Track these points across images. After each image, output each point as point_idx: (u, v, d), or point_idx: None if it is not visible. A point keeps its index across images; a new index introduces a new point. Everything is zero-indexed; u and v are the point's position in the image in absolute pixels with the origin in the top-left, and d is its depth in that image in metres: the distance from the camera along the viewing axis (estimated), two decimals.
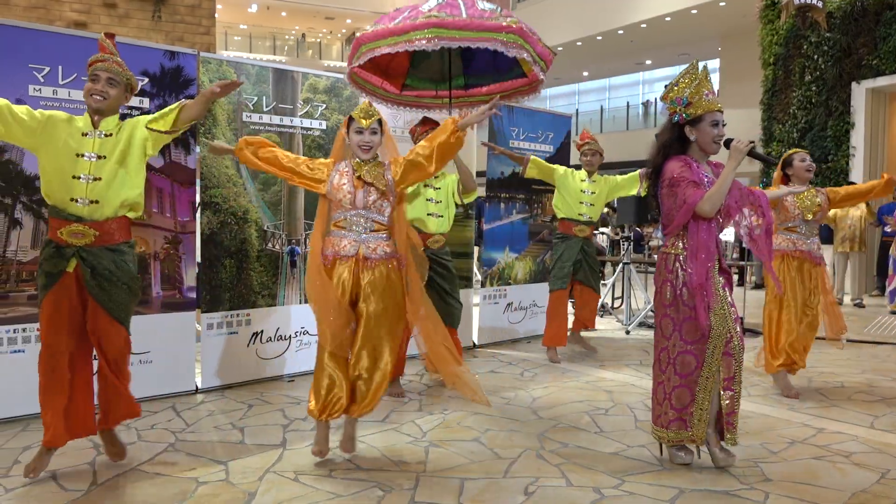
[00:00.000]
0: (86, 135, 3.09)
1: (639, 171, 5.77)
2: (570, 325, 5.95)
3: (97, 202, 3.06)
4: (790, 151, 4.71)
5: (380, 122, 3.35)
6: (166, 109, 3.23)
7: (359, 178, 3.29)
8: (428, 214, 4.64)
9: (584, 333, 6.28)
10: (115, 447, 3.32)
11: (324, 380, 3.31)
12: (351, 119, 3.36)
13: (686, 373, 3.21)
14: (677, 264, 3.22)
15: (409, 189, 4.21)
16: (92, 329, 3.14)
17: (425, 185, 4.61)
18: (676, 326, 3.22)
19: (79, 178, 3.04)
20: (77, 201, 3.04)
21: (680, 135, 3.24)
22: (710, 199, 3.09)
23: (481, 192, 6.08)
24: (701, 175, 3.17)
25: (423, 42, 3.76)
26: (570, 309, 5.91)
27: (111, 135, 3.13)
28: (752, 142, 3.16)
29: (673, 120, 3.24)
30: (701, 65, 3.26)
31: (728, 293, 3.24)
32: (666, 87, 3.32)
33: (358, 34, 4.07)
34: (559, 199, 5.78)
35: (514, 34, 3.87)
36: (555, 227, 6.10)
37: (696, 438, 3.25)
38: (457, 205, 4.84)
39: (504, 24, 3.85)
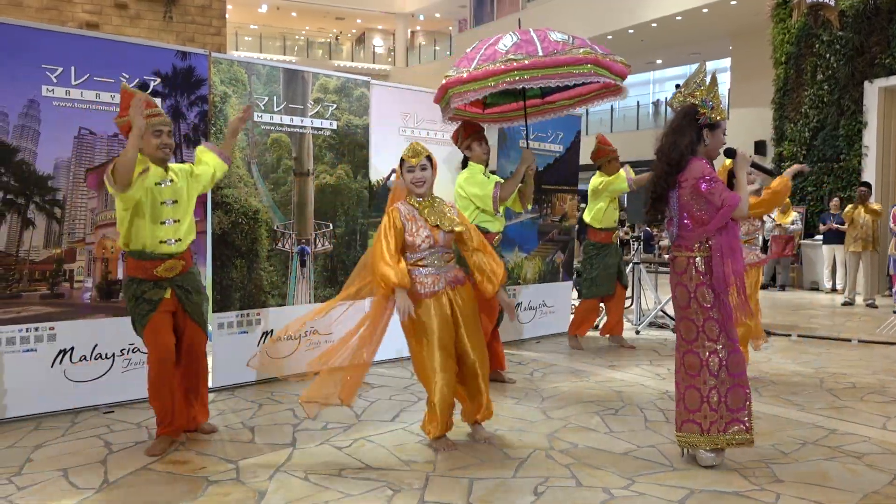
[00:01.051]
0: (159, 184, 3.46)
1: (622, 168, 5.85)
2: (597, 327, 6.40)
3: (181, 240, 3.53)
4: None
5: (429, 158, 3.55)
6: (204, 159, 3.75)
7: (427, 220, 3.50)
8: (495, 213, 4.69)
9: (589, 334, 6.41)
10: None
11: (441, 403, 3.48)
12: (402, 161, 3.56)
13: (738, 371, 3.21)
14: (708, 265, 3.21)
15: (502, 207, 4.70)
16: (190, 341, 3.60)
17: (497, 184, 4.64)
18: (723, 327, 3.20)
19: (164, 223, 3.46)
20: (166, 242, 3.47)
21: (700, 136, 3.27)
22: (745, 205, 3.17)
23: None
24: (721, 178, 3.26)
25: (508, 85, 3.92)
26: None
27: (174, 180, 3.53)
28: (754, 155, 3.37)
29: (699, 121, 3.26)
30: (709, 67, 3.31)
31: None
32: (679, 87, 3.39)
33: (444, 80, 4.19)
34: (599, 212, 6.00)
35: (591, 64, 3.94)
36: (574, 234, 6.33)
37: (752, 437, 3.27)
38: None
39: (580, 55, 3.93)
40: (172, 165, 3.60)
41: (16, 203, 3.92)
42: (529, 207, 5.02)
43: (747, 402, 3.23)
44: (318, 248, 5.13)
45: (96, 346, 4.14)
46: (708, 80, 3.30)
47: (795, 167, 5.06)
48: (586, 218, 6.17)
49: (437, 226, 3.49)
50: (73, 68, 4.04)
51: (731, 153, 3.34)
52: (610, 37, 18.35)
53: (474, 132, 4.70)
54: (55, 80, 4.00)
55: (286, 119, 4.96)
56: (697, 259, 3.22)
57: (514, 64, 3.86)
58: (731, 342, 3.21)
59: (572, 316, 6.49)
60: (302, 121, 5.04)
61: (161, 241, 3.44)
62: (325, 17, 31.01)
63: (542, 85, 3.98)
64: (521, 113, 5.04)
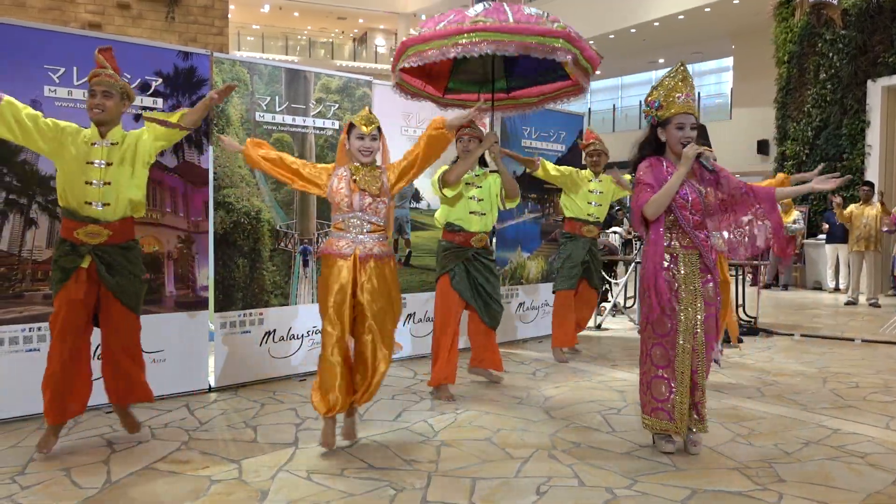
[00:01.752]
0: (94, 144, 3.39)
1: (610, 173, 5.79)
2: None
3: (108, 204, 3.38)
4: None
5: (379, 128, 3.55)
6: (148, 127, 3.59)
7: (354, 181, 3.48)
8: (470, 213, 4.57)
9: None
10: (129, 419, 3.67)
11: (328, 377, 3.46)
12: (352, 125, 3.53)
13: (660, 364, 3.38)
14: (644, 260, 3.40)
15: (451, 192, 4.44)
16: (106, 319, 3.47)
17: (467, 184, 4.56)
18: (648, 320, 3.39)
19: (91, 183, 3.34)
20: (91, 204, 3.35)
21: (655, 136, 3.39)
22: (652, 203, 3.26)
23: None
24: (664, 176, 3.30)
25: (472, 46, 3.76)
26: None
27: (117, 143, 3.43)
28: (703, 149, 3.26)
29: (647, 120, 3.43)
30: (689, 67, 3.32)
31: (710, 290, 3.39)
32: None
33: (404, 37, 4.11)
34: (567, 199, 5.78)
35: (563, 38, 3.88)
36: (561, 226, 6.10)
37: (679, 430, 3.41)
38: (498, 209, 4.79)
39: (553, 27, 3.87)
40: (133, 132, 3.50)
41: (18, 203, 3.92)
42: (510, 205, 4.73)
43: (669, 398, 3.38)
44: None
45: (99, 346, 4.13)
46: (675, 77, 3.33)
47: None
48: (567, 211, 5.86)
49: (364, 189, 3.46)
50: (75, 69, 4.05)
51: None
52: (612, 36, 18.36)
53: (470, 126, 4.55)
54: (57, 81, 4.00)
55: (288, 119, 4.96)
56: (645, 254, 3.42)
57: (481, 25, 3.77)
58: (655, 335, 3.37)
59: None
60: (304, 121, 5.04)
61: (86, 202, 3.32)
62: (328, 17, 31.02)
63: (508, 53, 3.81)
64: (478, 102, 4.89)
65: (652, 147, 3.41)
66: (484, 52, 3.78)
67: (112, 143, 3.41)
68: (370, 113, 3.53)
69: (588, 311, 6.02)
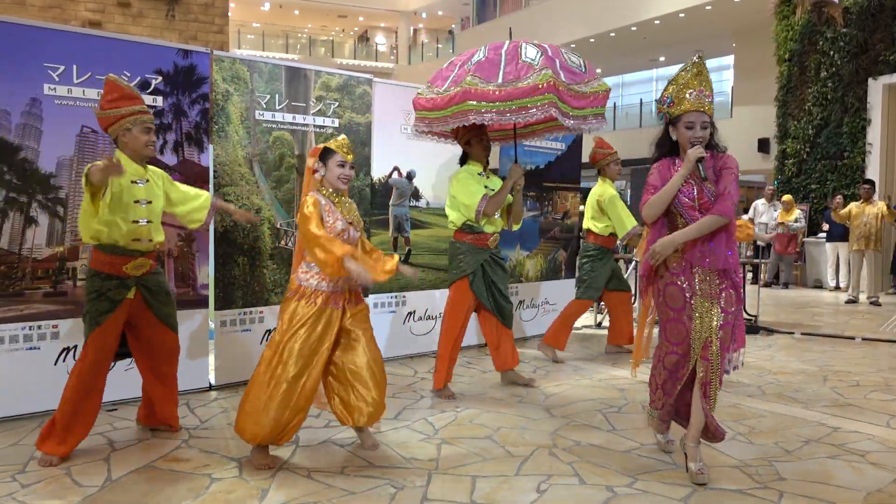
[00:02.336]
0: (135, 182, 3.39)
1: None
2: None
3: (151, 240, 3.47)
4: None
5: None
6: (194, 199, 3.71)
7: (350, 223, 3.36)
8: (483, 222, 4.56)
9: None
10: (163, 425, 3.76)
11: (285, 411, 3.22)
12: (330, 151, 3.36)
13: (673, 369, 3.22)
14: (661, 263, 3.18)
15: (485, 223, 4.54)
16: (150, 341, 3.56)
17: (486, 187, 4.50)
18: (662, 327, 3.25)
19: (138, 222, 3.38)
20: (140, 241, 3.41)
21: (669, 134, 3.22)
22: (649, 205, 3.14)
23: None
24: (670, 177, 3.13)
25: (459, 120, 4.02)
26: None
27: (149, 181, 3.47)
28: (704, 153, 3.05)
29: (660, 118, 3.27)
30: (708, 62, 3.20)
31: (729, 297, 3.11)
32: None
33: (415, 95, 4.40)
34: (612, 219, 5.66)
35: (549, 93, 3.83)
36: (578, 234, 6.14)
37: (653, 425, 3.46)
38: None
39: (539, 83, 3.83)
40: (150, 167, 3.52)
41: (18, 201, 3.92)
42: (516, 228, 4.81)
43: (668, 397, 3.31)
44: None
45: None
46: (689, 71, 3.12)
47: None
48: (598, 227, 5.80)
49: (351, 223, 3.36)
50: (75, 67, 4.04)
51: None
52: (613, 34, 18.35)
53: (475, 128, 4.54)
54: (57, 79, 4.00)
55: (288, 117, 4.96)
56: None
57: (468, 89, 3.91)
58: (669, 343, 3.20)
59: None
60: (304, 119, 5.04)
61: (134, 239, 3.37)
62: (328, 15, 31.02)
63: (497, 121, 3.94)
64: (503, 134, 5.05)
65: (666, 147, 3.23)
66: (468, 122, 4.01)
67: (145, 181, 3.44)
68: (347, 140, 3.43)
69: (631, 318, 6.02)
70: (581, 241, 6.27)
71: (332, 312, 3.32)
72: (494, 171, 4.80)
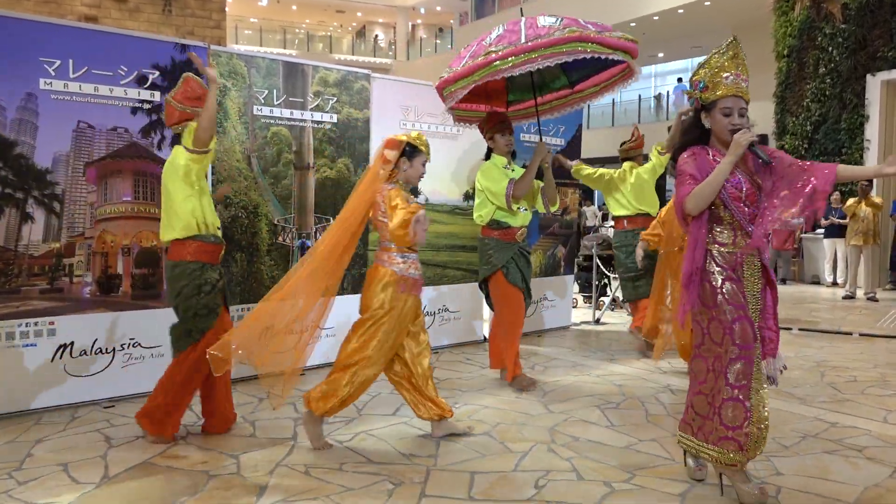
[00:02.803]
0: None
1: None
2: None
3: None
4: None
5: None
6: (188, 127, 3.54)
7: None
8: (516, 208, 4.60)
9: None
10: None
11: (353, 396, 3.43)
12: (419, 151, 3.46)
13: (738, 384, 2.75)
14: (710, 259, 2.86)
15: (517, 205, 4.56)
16: (224, 328, 3.52)
17: (511, 180, 4.53)
18: (727, 329, 2.77)
19: (216, 206, 3.62)
20: (219, 228, 3.58)
21: (698, 121, 2.95)
22: (694, 197, 2.79)
23: None
24: (709, 167, 2.84)
25: (487, 77, 3.94)
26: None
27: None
28: (756, 137, 2.82)
29: (690, 103, 3.02)
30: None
31: (767, 298, 2.92)
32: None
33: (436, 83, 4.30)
34: (635, 197, 5.73)
35: (575, 42, 3.87)
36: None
37: (745, 461, 2.81)
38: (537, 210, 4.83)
39: (566, 35, 3.87)
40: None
41: (14, 197, 3.90)
42: (554, 208, 4.79)
43: (745, 421, 2.74)
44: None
45: (96, 340, 4.14)
46: (724, 54, 2.91)
47: None
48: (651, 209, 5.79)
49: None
50: (70, 61, 4.02)
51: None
52: None
53: (498, 122, 4.63)
54: (53, 74, 3.98)
55: (286, 112, 4.94)
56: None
57: (493, 55, 3.86)
58: (736, 347, 2.75)
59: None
60: (302, 114, 5.02)
61: (217, 227, 3.54)
62: (326, 11, 30.93)
63: (524, 70, 3.89)
64: (546, 106, 5.02)
65: (694, 134, 2.96)
66: (504, 75, 3.92)
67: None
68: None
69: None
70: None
71: (418, 301, 3.51)
72: (523, 166, 4.81)
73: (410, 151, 3.44)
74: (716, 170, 2.79)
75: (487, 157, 4.71)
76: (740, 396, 2.74)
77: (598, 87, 4.91)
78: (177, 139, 3.54)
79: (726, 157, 2.79)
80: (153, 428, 3.46)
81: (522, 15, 4.27)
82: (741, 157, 2.81)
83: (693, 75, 2.98)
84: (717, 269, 2.85)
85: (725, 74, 2.86)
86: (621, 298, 7.36)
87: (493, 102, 4.97)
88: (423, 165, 3.50)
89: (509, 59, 3.84)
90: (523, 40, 3.87)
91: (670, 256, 4.66)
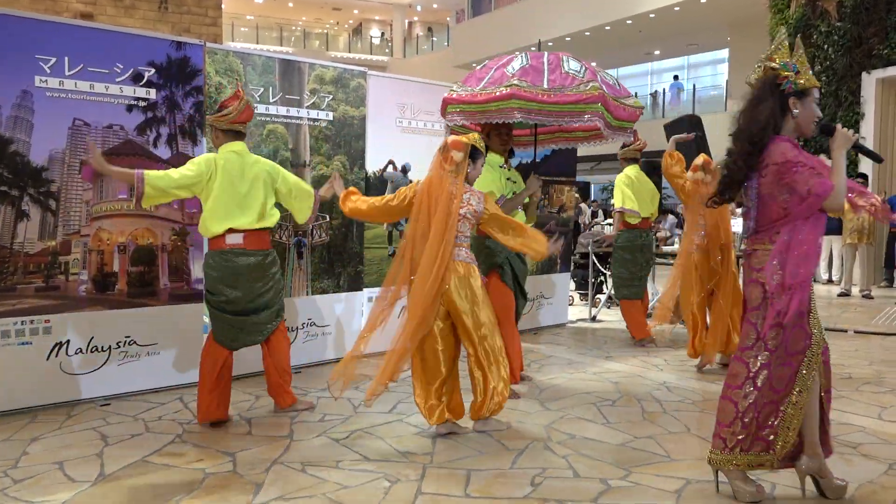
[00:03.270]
0: None
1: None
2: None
3: None
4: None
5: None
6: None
7: None
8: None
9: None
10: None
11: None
12: (480, 153, 3.68)
13: (780, 388, 2.74)
14: (785, 260, 2.72)
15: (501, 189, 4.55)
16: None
17: (507, 179, 4.55)
18: (786, 336, 2.71)
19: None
20: None
21: (784, 108, 2.76)
22: (839, 194, 2.65)
23: None
24: (814, 161, 2.73)
25: (507, 116, 4.06)
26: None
27: None
28: (858, 134, 2.79)
29: (781, 86, 2.75)
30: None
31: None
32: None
33: (446, 94, 4.45)
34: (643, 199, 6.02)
35: (596, 103, 3.99)
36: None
37: (775, 463, 2.82)
38: None
39: (585, 95, 3.98)
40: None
41: (10, 195, 3.89)
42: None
43: (776, 421, 2.76)
44: (315, 239, 5.11)
45: (92, 338, 4.13)
46: (790, 46, 2.82)
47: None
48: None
49: None
50: (66, 59, 4.01)
51: (828, 130, 2.80)
52: (608, 28, 18.31)
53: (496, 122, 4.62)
54: (49, 71, 3.97)
55: (282, 110, 4.93)
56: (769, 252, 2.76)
57: (515, 90, 3.97)
58: (787, 354, 2.73)
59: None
60: (298, 112, 5.02)
61: None
62: (322, 8, 30.87)
63: (540, 122, 4.08)
64: (526, 140, 5.12)
65: (780, 121, 2.77)
66: (516, 119, 4.08)
67: None
68: None
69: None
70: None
71: None
72: (518, 168, 4.85)
73: (475, 154, 3.64)
74: (837, 166, 2.73)
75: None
76: (775, 400, 2.75)
77: (562, 135, 5.10)
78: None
79: (837, 153, 2.73)
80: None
81: (539, 48, 4.33)
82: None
83: (774, 57, 2.79)
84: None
85: (806, 65, 2.77)
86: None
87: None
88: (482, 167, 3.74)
89: (529, 103, 3.97)
90: (545, 85, 4.01)
91: (707, 258, 4.89)
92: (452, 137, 3.64)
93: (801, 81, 2.74)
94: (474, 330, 3.54)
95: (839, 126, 2.74)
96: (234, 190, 3.67)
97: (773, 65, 2.77)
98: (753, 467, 2.82)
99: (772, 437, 2.77)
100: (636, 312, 6.10)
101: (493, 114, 4.13)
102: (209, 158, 3.70)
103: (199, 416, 3.74)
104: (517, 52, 4.38)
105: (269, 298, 3.81)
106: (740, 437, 2.77)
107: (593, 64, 4.38)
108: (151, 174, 3.49)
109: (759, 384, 2.74)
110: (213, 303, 3.75)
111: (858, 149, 2.86)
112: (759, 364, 2.75)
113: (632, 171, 6.12)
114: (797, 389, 2.74)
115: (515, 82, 4.02)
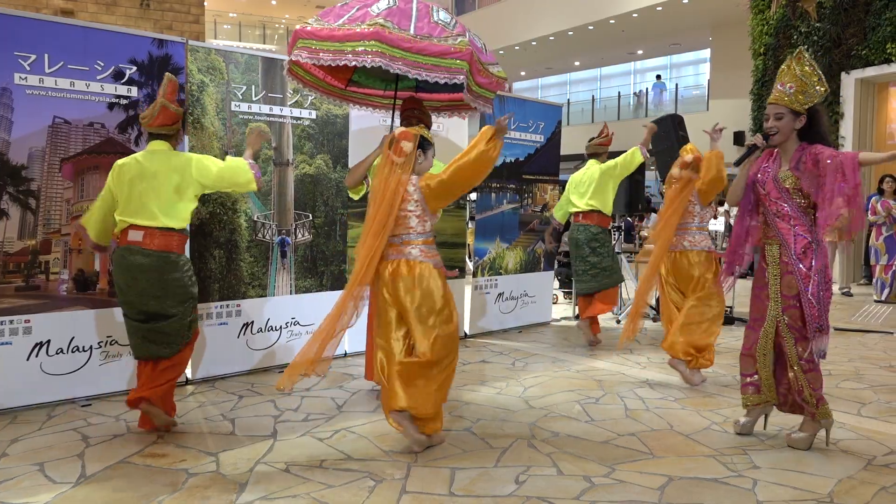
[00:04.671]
0: None
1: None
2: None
3: None
4: None
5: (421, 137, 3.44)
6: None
7: None
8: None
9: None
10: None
11: None
12: (431, 144, 3.51)
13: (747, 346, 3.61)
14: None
15: None
16: None
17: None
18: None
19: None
20: None
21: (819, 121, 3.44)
22: (730, 192, 3.59)
23: None
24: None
25: (364, 58, 3.50)
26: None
27: None
28: (759, 143, 3.42)
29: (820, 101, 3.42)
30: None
31: (790, 281, 3.39)
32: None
33: (298, 26, 3.83)
34: (612, 193, 5.87)
35: (462, 60, 3.63)
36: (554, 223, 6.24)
37: (768, 400, 3.59)
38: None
39: (452, 49, 3.62)
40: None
41: None
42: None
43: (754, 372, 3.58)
44: (299, 238, 5.10)
45: (73, 338, 4.09)
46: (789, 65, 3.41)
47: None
48: (601, 206, 5.83)
49: None
50: (46, 56, 3.96)
51: (765, 137, 3.45)
52: (591, 27, 18.38)
53: (415, 108, 4.33)
54: (28, 68, 3.92)
55: (265, 108, 4.91)
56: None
57: (379, 30, 3.48)
58: (752, 321, 3.56)
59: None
60: (281, 110, 4.99)
61: None
62: (306, 6, 30.69)
63: (397, 70, 3.59)
64: (385, 101, 4.77)
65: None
66: (375, 64, 3.50)
67: None
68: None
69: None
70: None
71: None
72: None
73: (425, 145, 3.45)
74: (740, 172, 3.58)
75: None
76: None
77: (446, 103, 4.75)
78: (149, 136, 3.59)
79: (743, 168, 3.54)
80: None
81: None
82: (787, 153, 3.41)
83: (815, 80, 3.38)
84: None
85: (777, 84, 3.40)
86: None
87: (334, 74, 4.50)
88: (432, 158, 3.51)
89: (393, 49, 3.51)
90: (412, 31, 3.58)
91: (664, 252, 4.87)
92: (400, 129, 3.45)
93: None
94: (420, 340, 3.30)
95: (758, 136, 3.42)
96: (139, 186, 3.47)
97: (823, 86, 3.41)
98: (748, 405, 3.64)
99: (757, 379, 3.57)
100: (584, 305, 5.99)
101: (348, 55, 3.53)
102: (112, 171, 3.58)
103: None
104: None
105: (166, 307, 3.48)
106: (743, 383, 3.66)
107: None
108: (85, 221, 3.69)
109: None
110: (119, 303, 3.61)
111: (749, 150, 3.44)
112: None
113: (590, 165, 5.90)
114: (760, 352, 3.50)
115: (381, 21, 3.52)
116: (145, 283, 3.45)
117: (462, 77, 3.66)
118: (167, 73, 3.71)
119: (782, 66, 3.40)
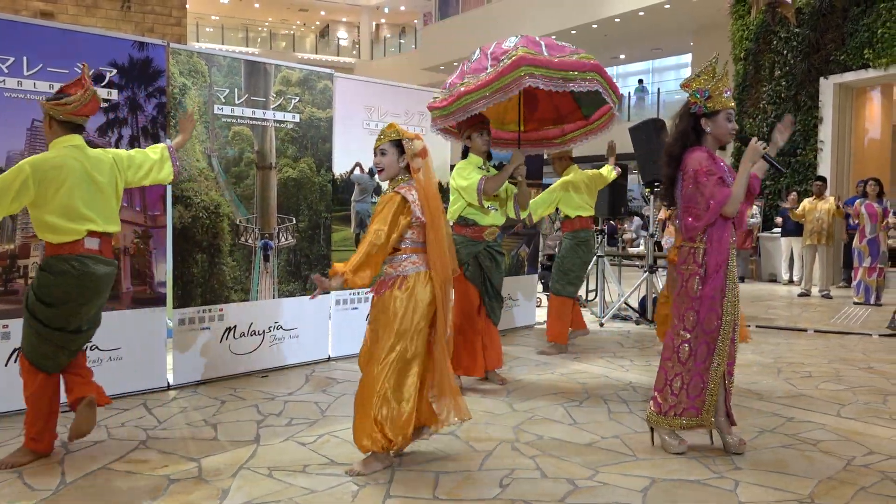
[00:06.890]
0: None
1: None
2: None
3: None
4: None
5: (393, 142, 3.19)
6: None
7: None
8: (487, 206, 4.56)
9: None
10: None
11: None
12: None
13: (702, 361, 3.32)
14: (704, 257, 3.28)
15: (488, 202, 4.56)
16: None
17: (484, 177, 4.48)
18: (700, 318, 3.28)
19: None
20: None
21: (696, 125, 3.35)
22: (734, 202, 3.21)
23: None
24: (723, 168, 3.31)
25: (518, 84, 3.90)
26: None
27: None
28: (766, 145, 3.34)
29: (691, 110, 3.35)
30: (720, 64, 3.42)
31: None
32: (686, 79, 3.46)
33: (432, 100, 4.40)
34: (585, 199, 5.92)
35: (595, 72, 4.09)
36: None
37: (707, 424, 3.39)
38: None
39: (583, 61, 4.06)
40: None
41: None
42: (524, 215, 4.87)
43: (704, 391, 3.32)
44: (282, 242, 5.07)
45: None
46: (717, 74, 3.36)
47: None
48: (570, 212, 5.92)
49: None
50: (25, 58, 3.92)
51: (744, 141, 3.48)
52: (574, 31, 18.46)
53: (477, 122, 4.53)
54: (7, 71, 3.87)
55: (248, 112, 4.88)
56: (698, 250, 3.29)
57: (522, 55, 3.89)
58: (704, 333, 3.28)
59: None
60: (264, 113, 4.97)
61: None
62: (289, 9, 30.64)
63: (554, 88, 3.97)
64: (507, 142, 5.17)
65: (691, 138, 3.35)
66: (530, 85, 3.91)
67: None
68: (388, 126, 3.24)
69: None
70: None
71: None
72: (497, 168, 4.83)
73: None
74: (740, 175, 3.24)
75: (464, 155, 4.67)
76: (701, 372, 3.33)
77: (583, 130, 5.14)
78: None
79: (745, 164, 3.23)
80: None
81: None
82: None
83: (692, 83, 3.38)
84: (695, 265, 3.33)
85: (724, 89, 3.32)
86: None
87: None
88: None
89: (539, 67, 3.90)
90: (545, 53, 4.02)
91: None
92: (420, 142, 3.25)
93: (710, 105, 3.30)
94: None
95: (753, 140, 3.27)
96: (89, 187, 3.21)
97: (688, 90, 3.38)
98: (686, 429, 3.39)
99: (700, 405, 3.34)
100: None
101: (510, 87, 3.91)
102: (36, 169, 3.13)
103: (39, 446, 3.28)
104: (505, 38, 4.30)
105: (100, 313, 3.40)
106: (672, 404, 3.37)
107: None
108: None
109: (681, 358, 3.34)
110: (42, 316, 3.18)
111: (765, 158, 3.34)
112: (680, 340, 3.34)
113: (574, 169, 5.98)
114: (715, 363, 3.31)
115: (521, 50, 3.94)
116: (102, 294, 3.29)
117: (593, 84, 4.12)
118: (83, 62, 3.43)
119: (722, 74, 3.40)
